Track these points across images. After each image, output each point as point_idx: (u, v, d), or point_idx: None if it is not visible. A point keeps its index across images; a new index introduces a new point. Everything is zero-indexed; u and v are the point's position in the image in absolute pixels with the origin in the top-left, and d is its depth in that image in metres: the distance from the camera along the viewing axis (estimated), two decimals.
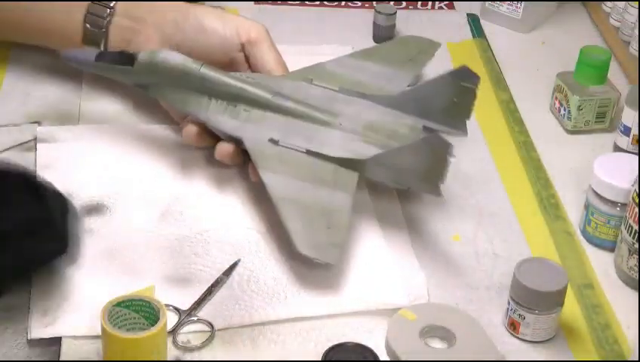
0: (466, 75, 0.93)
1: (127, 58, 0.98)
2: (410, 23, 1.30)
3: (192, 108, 0.97)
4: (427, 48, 1.09)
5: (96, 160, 1.02)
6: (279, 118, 0.95)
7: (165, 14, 1.04)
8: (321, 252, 0.86)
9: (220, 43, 1.03)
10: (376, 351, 0.81)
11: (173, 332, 0.84)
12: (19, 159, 1.01)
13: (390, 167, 0.91)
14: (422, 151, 0.88)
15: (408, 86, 1.03)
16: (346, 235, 0.89)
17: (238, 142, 0.96)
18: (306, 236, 0.87)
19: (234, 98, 0.96)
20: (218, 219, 0.96)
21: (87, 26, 1.05)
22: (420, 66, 1.07)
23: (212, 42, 1.03)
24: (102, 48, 1.05)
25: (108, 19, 1.04)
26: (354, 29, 1.28)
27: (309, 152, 0.93)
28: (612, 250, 0.95)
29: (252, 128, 0.95)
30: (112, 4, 1.05)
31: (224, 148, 0.97)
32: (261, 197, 0.99)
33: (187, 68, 0.96)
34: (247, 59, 1.03)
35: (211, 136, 0.98)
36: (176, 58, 0.97)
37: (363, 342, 0.82)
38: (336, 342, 0.82)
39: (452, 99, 0.93)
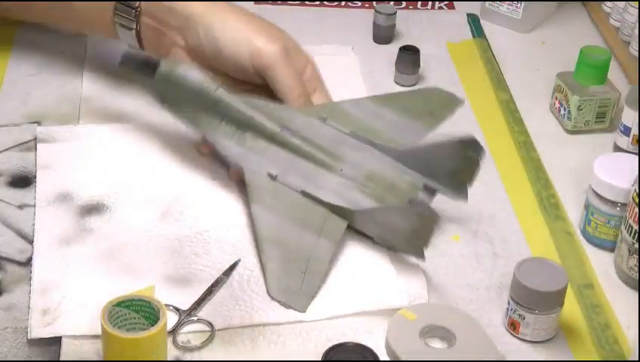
0: (472, 146, 0.92)
1: (149, 67, 0.98)
2: (410, 22, 1.30)
3: (203, 128, 0.97)
4: (449, 104, 1.05)
5: (96, 160, 1.02)
6: (282, 153, 0.95)
7: (190, 21, 1.02)
8: (291, 298, 0.87)
9: (234, 68, 1.01)
10: (376, 351, 0.81)
11: (173, 332, 0.84)
12: (19, 159, 1.02)
13: (378, 223, 0.91)
14: (409, 214, 0.88)
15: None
16: (321, 284, 0.89)
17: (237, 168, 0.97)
18: (280, 279, 0.88)
19: (243, 125, 0.96)
20: (218, 219, 0.96)
21: (118, 24, 1.05)
22: (438, 121, 1.03)
23: (228, 66, 1.02)
24: (137, 46, 1.05)
25: (135, 18, 1.04)
26: (354, 29, 1.28)
27: (304, 193, 0.93)
28: (612, 250, 0.95)
29: (254, 159, 0.95)
30: (136, 5, 1.04)
31: (237, 173, 0.98)
32: None
33: (203, 87, 0.96)
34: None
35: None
36: (194, 75, 0.97)
37: (363, 342, 0.82)
38: (336, 342, 0.82)
39: (456, 166, 0.93)
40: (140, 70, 0.99)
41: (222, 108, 0.96)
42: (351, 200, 0.92)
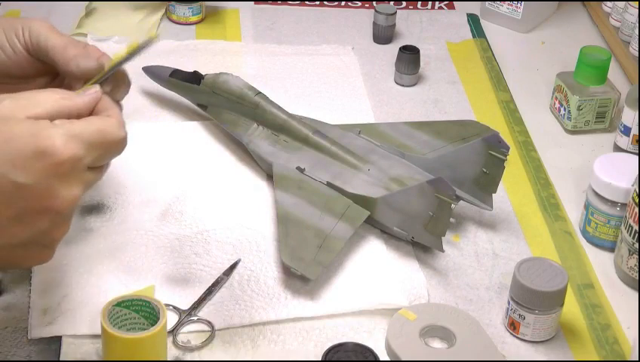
0: (496, 143, 0.94)
1: (196, 78, 1.06)
2: (410, 22, 1.30)
3: (239, 130, 1.02)
4: (483, 132, 1.03)
5: None
6: (313, 153, 0.99)
7: None
8: (302, 265, 0.87)
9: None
10: (376, 351, 0.81)
11: (173, 332, 0.84)
12: None
13: (398, 210, 0.92)
14: (428, 196, 0.89)
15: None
16: (334, 259, 0.90)
17: (267, 166, 0.99)
18: (294, 248, 0.89)
19: (278, 128, 1.01)
20: (218, 219, 0.96)
21: None
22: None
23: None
24: None
25: None
26: (354, 29, 1.28)
27: (329, 184, 0.96)
28: (612, 250, 0.95)
29: (285, 156, 0.99)
30: None
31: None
32: (262, 198, 0.99)
33: (244, 92, 1.02)
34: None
35: None
36: (236, 82, 1.03)
37: (363, 342, 0.82)
38: (336, 342, 0.82)
39: (481, 169, 0.95)
40: (187, 80, 1.06)
41: (259, 112, 1.02)
42: (375, 193, 0.94)
